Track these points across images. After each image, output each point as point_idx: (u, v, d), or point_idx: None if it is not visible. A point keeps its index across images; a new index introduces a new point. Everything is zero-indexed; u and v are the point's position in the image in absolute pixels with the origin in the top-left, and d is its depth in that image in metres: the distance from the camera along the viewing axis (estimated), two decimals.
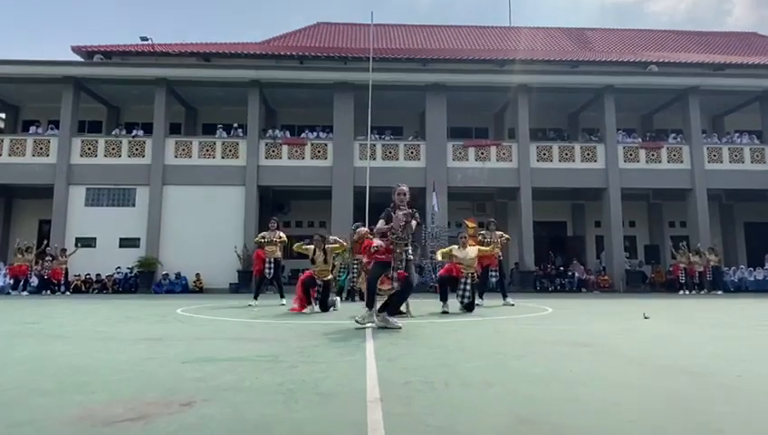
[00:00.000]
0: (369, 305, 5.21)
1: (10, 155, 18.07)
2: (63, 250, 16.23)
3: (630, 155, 19.15)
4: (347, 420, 1.96)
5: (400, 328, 4.86)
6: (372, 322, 5.17)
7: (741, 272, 18.91)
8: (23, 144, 18.25)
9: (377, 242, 5.26)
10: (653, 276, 19.38)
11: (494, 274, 9.10)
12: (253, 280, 10.77)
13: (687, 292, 16.12)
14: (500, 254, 9.35)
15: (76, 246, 17.06)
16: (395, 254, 5.11)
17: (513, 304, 8.91)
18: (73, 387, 2.57)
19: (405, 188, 5.32)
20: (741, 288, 18.09)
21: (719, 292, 15.95)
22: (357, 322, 5.15)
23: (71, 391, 2.50)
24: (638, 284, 18.61)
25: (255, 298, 9.38)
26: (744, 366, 3.16)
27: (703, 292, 15.97)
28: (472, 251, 7.84)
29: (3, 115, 22.27)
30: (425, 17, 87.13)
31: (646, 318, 6.44)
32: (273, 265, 9.36)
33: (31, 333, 5.04)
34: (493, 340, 4.52)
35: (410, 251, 5.20)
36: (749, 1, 79.96)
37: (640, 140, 20.08)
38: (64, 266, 15.88)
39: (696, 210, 18.63)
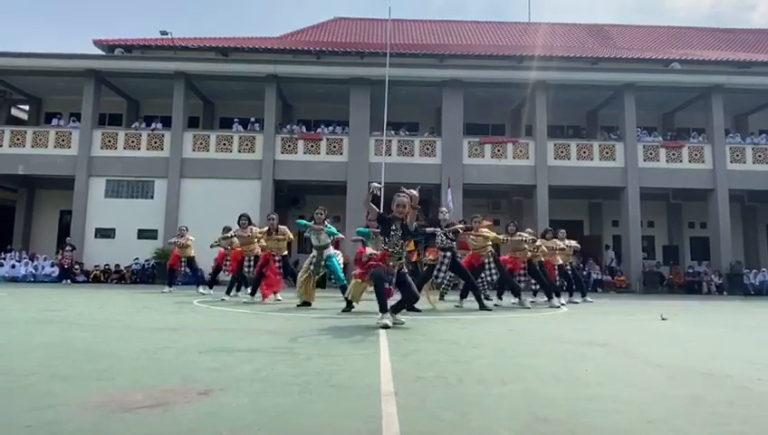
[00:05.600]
0: (383, 310, 4.92)
1: (33, 146, 18.42)
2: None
3: (650, 154, 18.83)
4: (361, 413, 1.97)
5: (403, 323, 4.99)
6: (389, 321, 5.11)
7: (762, 275, 18.51)
8: (45, 136, 18.59)
9: (369, 251, 5.26)
10: (671, 278, 19.08)
11: (522, 278, 8.43)
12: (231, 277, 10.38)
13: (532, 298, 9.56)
14: (530, 252, 8.52)
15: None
16: (387, 268, 4.96)
17: (558, 307, 8.33)
18: (93, 373, 2.62)
19: (405, 199, 4.95)
20: (762, 291, 17.71)
21: (561, 303, 8.82)
22: (378, 324, 5.02)
23: (90, 377, 2.55)
24: (655, 285, 18.33)
25: (228, 293, 9.69)
26: (765, 370, 3.10)
27: (530, 300, 8.89)
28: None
29: (26, 107, 22.75)
30: (440, 12, 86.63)
31: (663, 319, 6.35)
32: (252, 263, 9.33)
33: (52, 320, 5.16)
34: (506, 338, 4.50)
35: (403, 267, 5.13)
36: None
37: (661, 138, 19.73)
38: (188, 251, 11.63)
39: (717, 211, 18.26)
